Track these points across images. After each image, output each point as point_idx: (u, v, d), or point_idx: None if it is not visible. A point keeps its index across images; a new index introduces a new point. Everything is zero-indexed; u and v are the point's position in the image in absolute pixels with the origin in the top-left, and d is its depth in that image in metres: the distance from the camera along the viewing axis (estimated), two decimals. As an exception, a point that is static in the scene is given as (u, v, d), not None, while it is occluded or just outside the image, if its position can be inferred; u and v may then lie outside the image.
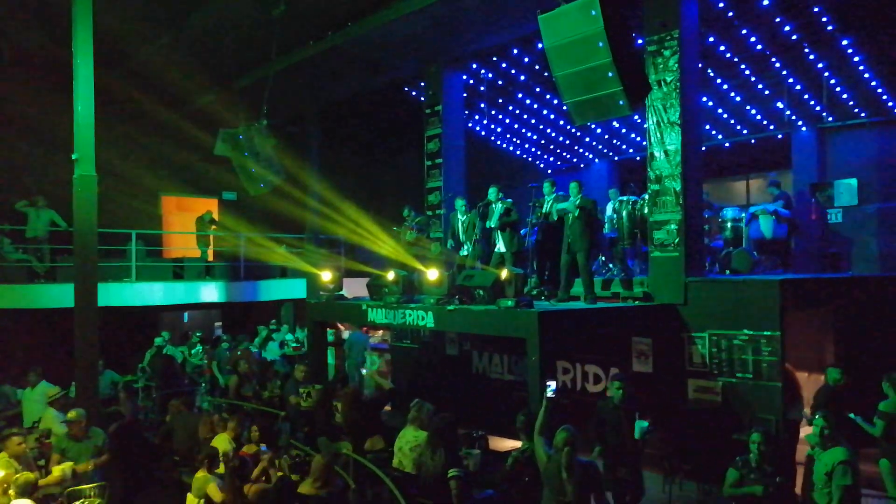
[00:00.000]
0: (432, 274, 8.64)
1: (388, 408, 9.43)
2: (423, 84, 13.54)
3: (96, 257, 8.93)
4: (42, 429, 7.85)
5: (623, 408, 6.66)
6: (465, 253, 9.96)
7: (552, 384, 5.88)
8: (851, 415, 7.09)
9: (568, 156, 17.89)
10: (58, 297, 11.67)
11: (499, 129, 16.58)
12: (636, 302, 9.04)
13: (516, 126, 16.14)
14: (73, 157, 8.67)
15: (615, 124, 15.00)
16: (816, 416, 5.90)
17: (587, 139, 16.51)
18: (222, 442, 7.08)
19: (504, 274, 7.81)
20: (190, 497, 6.33)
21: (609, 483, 6.40)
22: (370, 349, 13.83)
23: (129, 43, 12.85)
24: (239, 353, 11.96)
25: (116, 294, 12.77)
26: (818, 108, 12.83)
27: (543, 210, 9.24)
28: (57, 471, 6.60)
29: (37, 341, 12.38)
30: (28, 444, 6.94)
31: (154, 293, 13.50)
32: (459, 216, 10.24)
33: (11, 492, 5.81)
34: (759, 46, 11.02)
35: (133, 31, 12.50)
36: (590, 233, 8.79)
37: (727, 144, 14.87)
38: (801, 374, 8.94)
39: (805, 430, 7.79)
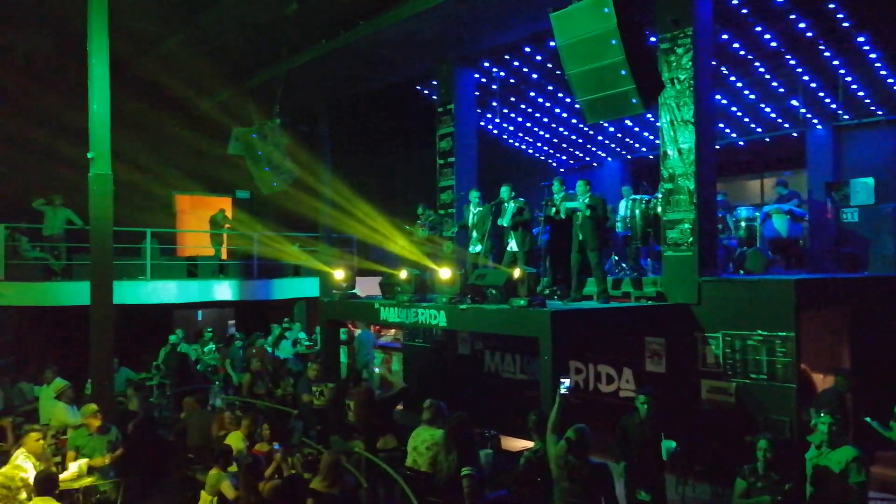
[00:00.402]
0: (445, 273, 8.64)
1: (399, 407, 9.44)
2: (435, 82, 13.54)
3: (112, 255, 9.02)
4: (55, 424, 7.93)
5: (649, 424, 6.37)
6: (477, 250, 9.94)
7: (566, 381, 5.83)
8: (868, 419, 7.01)
9: (581, 154, 17.83)
10: (74, 294, 11.80)
11: (511, 128, 16.56)
12: (649, 301, 9.00)
13: (529, 125, 16.11)
14: (89, 155, 8.75)
15: (628, 123, 14.93)
16: (822, 415, 5.82)
17: (600, 138, 16.45)
18: (236, 440, 7.12)
19: (517, 273, 7.80)
20: (203, 494, 6.38)
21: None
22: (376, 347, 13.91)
23: (143, 42, 12.96)
24: (254, 350, 12.03)
25: (131, 292, 12.89)
26: (834, 106, 12.71)
27: (553, 209, 9.19)
28: (73, 467, 6.67)
29: (53, 338, 12.51)
30: (46, 440, 7.02)
31: (168, 291, 13.61)
32: (472, 208, 10.24)
33: (32, 489, 5.88)
34: (773, 44, 10.93)
35: (147, 31, 12.60)
36: (600, 231, 8.75)
37: (741, 143, 14.77)
38: (817, 376, 8.86)
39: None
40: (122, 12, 9.90)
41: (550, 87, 13.90)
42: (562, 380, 5.87)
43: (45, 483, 5.63)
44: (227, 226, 15.60)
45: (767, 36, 10.73)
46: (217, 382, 12.32)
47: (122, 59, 10.94)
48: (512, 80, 13.87)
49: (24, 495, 5.88)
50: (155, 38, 13.03)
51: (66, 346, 11.65)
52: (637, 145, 16.50)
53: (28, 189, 13.25)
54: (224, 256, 15.67)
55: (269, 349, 13.37)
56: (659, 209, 9.48)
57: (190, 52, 13.08)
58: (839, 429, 5.72)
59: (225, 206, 16.58)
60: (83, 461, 6.79)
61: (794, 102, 12.64)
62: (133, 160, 13.98)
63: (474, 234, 10.03)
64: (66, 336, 12.00)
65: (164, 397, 11.68)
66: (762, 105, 13.18)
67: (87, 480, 6.78)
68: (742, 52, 11.30)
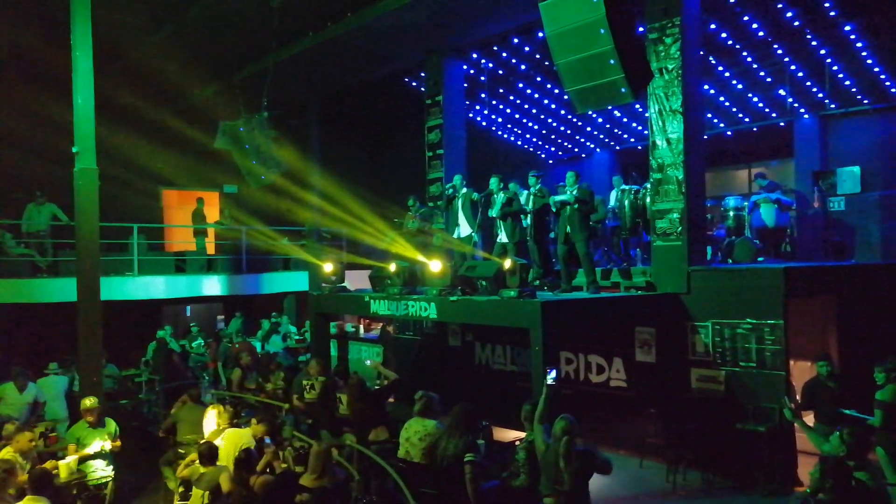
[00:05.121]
0: (435, 265, 8.62)
1: (390, 399, 9.43)
2: (423, 74, 13.49)
3: (98, 251, 8.91)
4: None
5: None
6: (466, 234, 9.89)
7: (552, 371, 5.87)
8: (846, 410, 7.00)
9: (569, 146, 17.85)
10: (60, 291, 11.66)
11: (500, 120, 16.54)
12: (639, 291, 9.03)
13: (517, 116, 16.09)
14: (74, 150, 8.64)
15: (616, 113, 14.96)
16: (844, 431, 4.94)
17: (588, 129, 16.47)
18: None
19: (507, 264, 7.79)
20: (195, 490, 6.33)
21: None
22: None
23: (129, 36, 12.81)
24: (237, 346, 11.97)
25: (119, 288, 12.76)
26: (820, 95, 12.78)
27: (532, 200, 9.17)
28: (63, 468, 6.60)
29: (40, 336, 12.38)
30: (35, 440, 6.94)
31: (156, 287, 13.49)
32: (459, 193, 10.16)
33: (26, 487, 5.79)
34: (760, 33, 10.98)
35: (133, 24, 12.46)
36: (587, 222, 8.77)
37: (729, 132, 14.83)
38: (804, 363, 8.94)
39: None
40: (108, 5, 9.77)
41: (539, 79, 13.88)
42: (548, 370, 5.89)
43: (41, 480, 5.52)
44: (213, 221, 15.46)
45: (755, 25, 10.76)
46: (206, 377, 12.26)
47: (108, 53, 10.79)
48: (500, 72, 13.83)
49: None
50: (141, 31, 12.88)
51: (54, 344, 11.53)
52: (626, 136, 16.54)
53: (11, 184, 13.08)
54: (211, 251, 15.54)
55: (258, 343, 13.31)
56: (648, 199, 9.50)
57: (177, 46, 12.95)
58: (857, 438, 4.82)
59: (212, 201, 16.46)
60: (73, 460, 6.71)
61: (782, 92, 12.70)
62: (119, 155, 13.83)
63: (461, 217, 9.98)
64: (53, 333, 11.87)
65: (152, 393, 11.60)
66: (750, 94, 13.24)
67: (77, 478, 6.72)
68: (730, 42, 11.33)
